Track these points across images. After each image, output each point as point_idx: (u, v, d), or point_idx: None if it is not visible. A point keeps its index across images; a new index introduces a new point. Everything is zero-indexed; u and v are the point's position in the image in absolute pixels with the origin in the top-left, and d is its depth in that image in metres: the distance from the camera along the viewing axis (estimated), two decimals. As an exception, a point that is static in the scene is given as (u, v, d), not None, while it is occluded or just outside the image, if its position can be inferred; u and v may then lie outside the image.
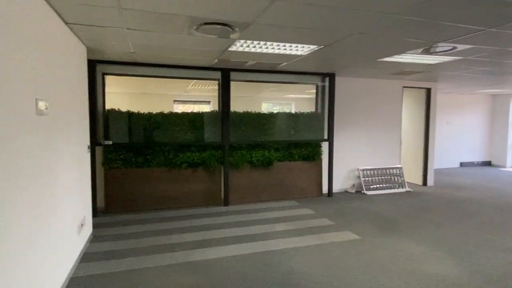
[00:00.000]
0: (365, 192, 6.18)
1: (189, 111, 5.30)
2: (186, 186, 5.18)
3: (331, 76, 5.75)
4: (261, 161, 5.48)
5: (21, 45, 1.92)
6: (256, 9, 2.53)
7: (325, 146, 5.93)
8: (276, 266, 3.09)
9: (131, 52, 4.09)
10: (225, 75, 5.17)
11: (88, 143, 3.85)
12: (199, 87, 7.26)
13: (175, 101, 9.09)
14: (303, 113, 5.88)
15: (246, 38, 3.42)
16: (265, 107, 10.34)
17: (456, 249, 3.54)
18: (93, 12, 2.62)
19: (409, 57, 4.35)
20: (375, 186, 6.35)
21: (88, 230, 3.70)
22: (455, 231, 4.09)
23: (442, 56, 4.26)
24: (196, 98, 9.28)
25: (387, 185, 6.45)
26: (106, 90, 4.88)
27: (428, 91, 6.91)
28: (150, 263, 3.14)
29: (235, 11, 2.57)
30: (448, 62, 4.64)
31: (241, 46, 3.75)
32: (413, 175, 7.17)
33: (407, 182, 6.74)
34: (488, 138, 9.95)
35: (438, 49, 3.85)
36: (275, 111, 5.86)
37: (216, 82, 5.38)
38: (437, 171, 8.42)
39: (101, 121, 4.78)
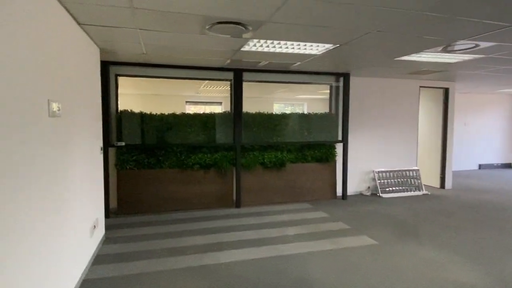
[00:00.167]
0: (380, 195, 6.02)
1: (201, 112, 5.27)
2: (198, 187, 5.15)
3: (346, 76, 5.62)
4: (273, 162, 5.40)
5: (33, 46, 1.89)
6: (270, 7, 2.46)
7: (339, 147, 5.81)
8: (289, 272, 3.00)
9: (143, 53, 4.07)
10: (238, 76, 5.11)
11: (101, 144, 3.84)
12: (211, 88, 7.23)
13: (187, 102, 9.10)
14: (316, 113, 5.77)
15: (259, 38, 3.35)
16: (277, 108, 10.25)
17: (478, 255, 3.38)
18: (106, 12, 2.59)
19: (428, 56, 4.20)
20: (391, 188, 6.18)
21: (100, 231, 3.69)
22: (476, 237, 3.92)
23: (462, 55, 4.09)
24: (207, 99, 9.27)
25: (404, 188, 6.27)
26: (119, 91, 4.89)
27: (446, 91, 6.69)
28: (161, 267, 3.10)
29: (249, 9, 2.51)
30: (468, 61, 4.46)
31: (254, 45, 3.68)
32: (430, 178, 6.95)
33: (424, 184, 6.54)
34: (509, 139, 9.60)
35: (458, 47, 3.70)
36: (287, 112, 5.77)
37: (228, 83, 5.33)
38: (455, 174, 8.16)
39: (114, 123, 4.79)
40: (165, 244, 3.65)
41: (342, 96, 5.68)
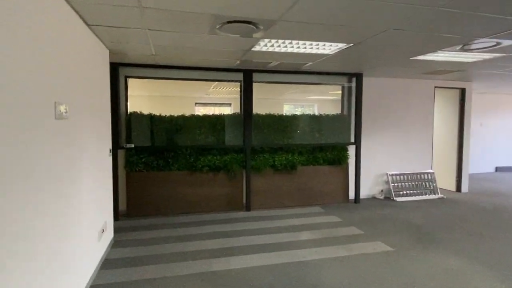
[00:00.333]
0: (394, 198, 5.85)
1: (210, 114, 5.20)
2: (207, 190, 5.07)
3: (359, 77, 5.48)
4: (284, 165, 5.29)
5: (39, 47, 1.84)
6: (283, 5, 2.36)
7: (351, 149, 5.66)
8: (303, 280, 2.89)
9: (152, 54, 4.02)
10: (247, 77, 5.03)
11: (110, 146, 3.80)
12: (220, 89, 7.16)
13: (196, 103, 9.06)
14: (328, 115, 5.64)
15: (270, 37, 3.25)
16: (287, 109, 10.13)
17: (499, 263, 3.21)
18: (114, 12, 2.53)
19: (445, 55, 4.04)
20: (405, 192, 6.01)
21: (109, 235, 3.64)
22: (497, 243, 3.74)
23: (482, 53, 3.92)
24: (217, 100, 9.21)
25: (418, 191, 6.09)
26: (129, 93, 4.86)
27: (463, 91, 6.48)
28: (170, 272, 3.02)
29: (260, 7, 2.41)
30: (488, 60, 4.28)
31: (265, 45, 3.59)
32: (445, 181, 6.74)
33: (439, 188, 6.34)
34: (527, 141, 9.29)
35: (478, 46, 3.54)
36: (298, 113, 5.65)
37: (238, 84, 5.25)
38: (471, 176, 7.90)
39: (124, 124, 4.76)
40: (174, 248, 3.58)
41: (354, 97, 5.53)
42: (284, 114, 5.50)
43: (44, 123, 1.89)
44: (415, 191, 6.06)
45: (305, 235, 3.98)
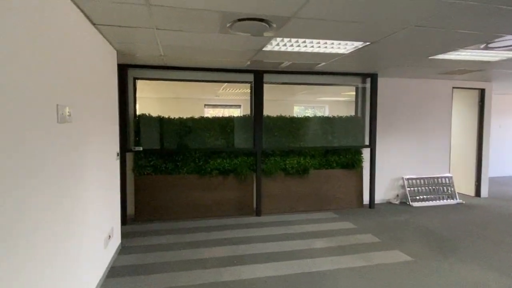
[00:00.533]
0: (410, 203, 5.62)
1: (220, 116, 5.07)
2: (217, 194, 4.94)
3: (373, 77, 5.28)
4: (296, 168, 5.12)
5: (41, 47, 1.73)
6: (297, 0, 2.21)
7: (366, 152, 5.46)
8: (318, 292, 2.73)
9: (161, 55, 3.91)
10: (258, 78, 4.89)
11: (118, 150, 3.70)
12: (230, 90, 7.04)
13: (205, 105, 8.97)
14: (341, 117, 5.45)
15: (283, 36, 3.10)
16: (297, 111, 9.95)
17: (532, 278, 2.98)
18: (121, 11, 2.42)
19: (466, 54, 3.83)
20: (422, 197, 5.77)
21: (116, 241, 3.54)
22: (526, 255, 3.51)
23: (506, 51, 3.70)
24: (226, 102, 9.11)
25: (436, 196, 5.84)
26: (137, 95, 4.77)
27: (482, 92, 6.21)
28: (178, 282, 2.89)
29: (273, 3, 2.27)
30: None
31: (277, 45, 3.44)
32: (464, 185, 6.47)
33: (457, 193, 6.07)
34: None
35: (503, 43, 3.32)
36: (309, 115, 5.48)
37: (248, 85, 5.11)
38: (490, 180, 7.59)
39: (132, 127, 4.67)
40: (183, 255, 3.45)
41: (369, 98, 5.34)
42: (295, 116, 5.34)
43: (45, 127, 1.78)
44: (432, 196, 5.82)
45: (319, 243, 3.81)
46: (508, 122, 8.57)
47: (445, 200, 5.82)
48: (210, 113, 9.17)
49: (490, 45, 3.40)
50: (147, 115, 4.75)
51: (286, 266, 3.20)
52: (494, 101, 7.90)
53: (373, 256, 3.43)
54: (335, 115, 5.48)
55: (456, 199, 5.86)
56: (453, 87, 6.05)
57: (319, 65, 4.54)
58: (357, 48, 3.54)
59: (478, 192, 6.29)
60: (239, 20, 2.63)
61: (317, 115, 5.51)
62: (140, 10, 2.42)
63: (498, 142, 8.39)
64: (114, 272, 3.08)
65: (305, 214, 5.01)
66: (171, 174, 4.79)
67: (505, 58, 4.00)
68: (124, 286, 2.81)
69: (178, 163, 4.81)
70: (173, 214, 4.78)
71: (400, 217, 4.90)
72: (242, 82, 5.10)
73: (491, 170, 7.97)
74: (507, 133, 8.56)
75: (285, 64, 4.45)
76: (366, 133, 5.41)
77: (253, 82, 4.93)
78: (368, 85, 5.37)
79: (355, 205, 5.42)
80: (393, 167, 5.81)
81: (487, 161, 6.31)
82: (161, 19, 2.61)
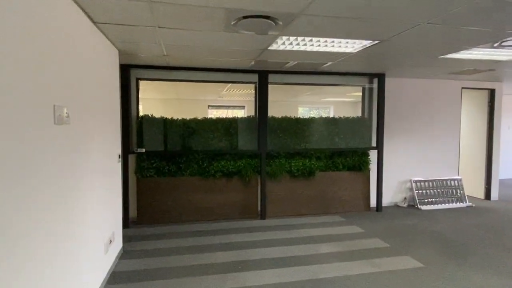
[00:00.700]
0: (419, 206, 5.48)
1: (224, 117, 4.98)
2: (220, 197, 4.84)
3: (381, 77, 5.16)
4: (301, 170, 5.01)
5: (38, 46, 1.64)
6: (306, -4, 2.12)
7: (373, 154, 5.34)
8: (326, 300, 2.61)
9: (164, 55, 3.83)
10: (263, 78, 4.79)
11: (119, 152, 3.61)
12: (234, 91, 6.95)
13: (209, 106, 8.88)
14: (347, 118, 5.33)
15: (289, 34, 3.00)
16: (302, 112, 9.83)
17: (550, 286, 2.85)
18: (122, 8, 2.34)
19: (478, 53, 3.70)
20: (430, 200, 5.63)
21: (117, 245, 3.45)
22: (542, 261, 3.37)
23: (521, 50, 3.57)
24: (230, 103, 9.01)
25: (445, 199, 5.70)
26: (140, 96, 4.69)
27: (492, 92, 6.07)
28: (181, 289, 2.79)
29: (280, -1, 2.17)
30: (526, 58, 3.92)
31: (282, 44, 3.34)
32: (473, 188, 6.31)
33: (467, 195, 5.92)
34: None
35: (518, 41, 3.20)
36: (315, 116, 5.37)
37: (252, 86, 5.01)
38: (499, 182, 7.41)
39: (135, 128, 4.59)
40: (185, 260, 3.35)
41: (376, 99, 5.21)
42: (300, 117, 5.23)
43: (40, 129, 1.69)
44: (441, 199, 5.68)
45: (325, 248, 3.69)
46: (517, 123, 8.39)
47: (454, 203, 5.67)
48: (213, 114, 9.08)
49: (505, 43, 3.28)
50: (150, 116, 4.67)
51: (293, 272, 3.09)
52: (503, 102, 7.74)
53: (382, 262, 3.31)
54: (342, 116, 5.36)
55: (466, 202, 5.71)
56: (462, 88, 5.91)
57: (325, 65, 4.43)
58: (365, 47, 3.43)
59: (488, 195, 6.13)
60: (244, 17, 2.53)
61: (323, 116, 5.37)
62: (141, 7, 2.33)
63: (507, 143, 8.23)
64: (115, 277, 2.99)
65: (311, 218, 4.90)
66: (174, 176, 4.70)
67: (518, 57, 3.87)
68: (125, 293, 2.72)
69: (181, 165, 4.72)
70: (175, 217, 4.69)
71: (408, 221, 4.76)
72: (247, 82, 5.01)
73: (500, 172, 7.81)
74: (516, 134, 8.38)
75: (291, 64, 4.35)
76: (373, 134, 5.28)
77: (257, 83, 4.83)
78: (375, 86, 5.25)
79: (362, 208, 5.29)
80: (401, 169, 5.68)
81: (497, 163, 6.15)
82: (163, 16, 2.52)
